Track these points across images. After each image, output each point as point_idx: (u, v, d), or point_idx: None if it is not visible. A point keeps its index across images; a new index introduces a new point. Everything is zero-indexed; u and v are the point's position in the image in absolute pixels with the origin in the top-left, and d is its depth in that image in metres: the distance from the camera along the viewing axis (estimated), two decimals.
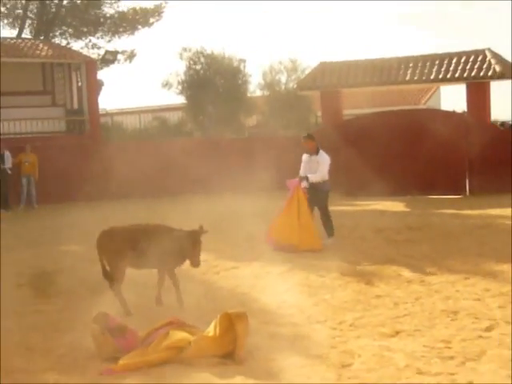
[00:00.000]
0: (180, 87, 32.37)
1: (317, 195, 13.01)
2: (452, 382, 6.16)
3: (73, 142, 25.36)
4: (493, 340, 7.26)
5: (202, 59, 32.35)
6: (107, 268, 8.90)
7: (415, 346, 7.12)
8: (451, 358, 6.77)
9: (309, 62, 34.88)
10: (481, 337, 7.39)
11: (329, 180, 13.18)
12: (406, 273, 10.62)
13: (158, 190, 22.33)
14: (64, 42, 34.29)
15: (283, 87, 33.15)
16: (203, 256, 12.12)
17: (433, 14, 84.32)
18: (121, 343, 7.08)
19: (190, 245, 8.80)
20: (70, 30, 34.59)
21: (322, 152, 13.12)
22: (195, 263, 8.87)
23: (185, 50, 32.40)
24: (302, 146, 13.47)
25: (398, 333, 7.65)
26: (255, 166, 20.28)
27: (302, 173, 13.07)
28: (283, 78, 33.39)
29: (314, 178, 12.90)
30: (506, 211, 16.68)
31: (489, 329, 7.65)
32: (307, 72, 28.00)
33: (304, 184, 12.89)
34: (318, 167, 12.96)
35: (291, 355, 6.97)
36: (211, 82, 31.23)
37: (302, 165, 13.22)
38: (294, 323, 8.16)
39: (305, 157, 13.25)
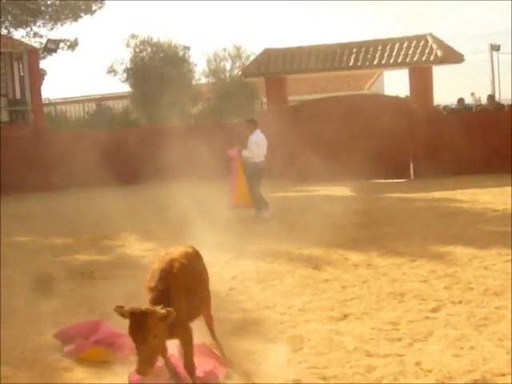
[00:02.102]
0: (125, 75, 32.06)
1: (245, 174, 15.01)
2: (400, 362, 6.23)
3: (16, 132, 24.93)
4: (439, 321, 7.37)
5: (148, 47, 32.07)
6: None
7: (363, 329, 7.19)
8: (399, 339, 6.86)
9: (253, 49, 34.74)
10: (427, 318, 7.50)
11: (261, 162, 14.93)
12: (353, 256, 10.71)
13: (106, 180, 22.01)
14: (4, 31, 33.64)
15: (228, 74, 33.05)
16: (150, 245, 12.16)
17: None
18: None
19: None
20: (10, 18, 33.95)
21: (253, 134, 14.92)
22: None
23: (133, 37, 32.07)
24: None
25: (346, 316, 7.71)
26: (201, 154, 20.20)
27: None
28: (228, 66, 33.29)
29: (244, 152, 14.90)
30: (450, 194, 16.93)
31: (435, 310, 7.77)
32: (252, 59, 27.94)
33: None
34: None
35: (241, 342, 6.99)
36: (156, 70, 30.98)
37: None
38: (243, 309, 8.17)
39: None
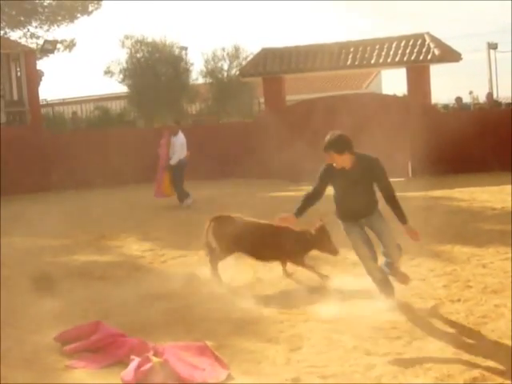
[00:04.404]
0: (122, 76, 32.04)
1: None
2: (399, 361, 6.23)
3: (14, 133, 24.90)
4: (438, 319, 7.37)
5: (144, 48, 32.01)
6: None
7: (363, 328, 7.19)
8: (398, 337, 6.86)
9: (251, 49, 34.77)
10: (426, 316, 7.50)
11: (184, 159, 16.76)
12: (352, 255, 10.68)
13: (105, 180, 22.00)
14: (1, 32, 33.62)
15: (225, 74, 33.04)
16: (149, 246, 12.16)
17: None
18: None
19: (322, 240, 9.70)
20: (6, 19, 33.93)
21: (177, 135, 16.81)
22: (335, 251, 9.67)
23: (127, 37, 32.03)
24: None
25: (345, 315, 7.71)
26: (199, 155, 20.20)
27: None
28: (225, 65, 33.30)
29: (172, 161, 16.68)
30: (448, 193, 16.93)
31: (434, 308, 7.77)
32: (249, 59, 27.94)
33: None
34: (174, 149, 16.74)
35: (240, 341, 6.99)
36: (153, 71, 30.95)
37: None
38: (243, 309, 8.16)
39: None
